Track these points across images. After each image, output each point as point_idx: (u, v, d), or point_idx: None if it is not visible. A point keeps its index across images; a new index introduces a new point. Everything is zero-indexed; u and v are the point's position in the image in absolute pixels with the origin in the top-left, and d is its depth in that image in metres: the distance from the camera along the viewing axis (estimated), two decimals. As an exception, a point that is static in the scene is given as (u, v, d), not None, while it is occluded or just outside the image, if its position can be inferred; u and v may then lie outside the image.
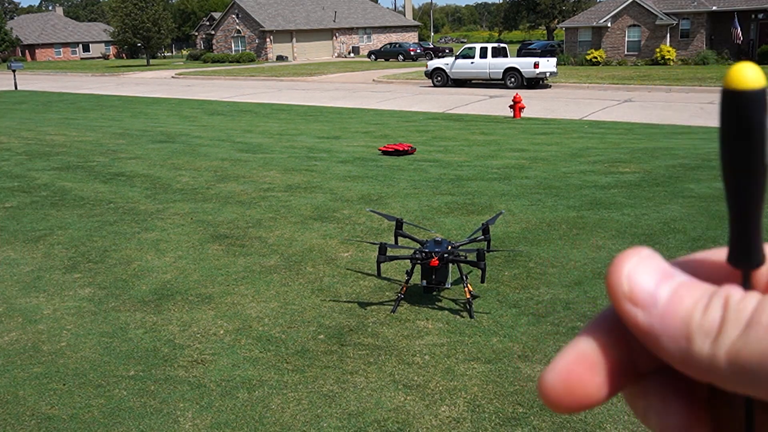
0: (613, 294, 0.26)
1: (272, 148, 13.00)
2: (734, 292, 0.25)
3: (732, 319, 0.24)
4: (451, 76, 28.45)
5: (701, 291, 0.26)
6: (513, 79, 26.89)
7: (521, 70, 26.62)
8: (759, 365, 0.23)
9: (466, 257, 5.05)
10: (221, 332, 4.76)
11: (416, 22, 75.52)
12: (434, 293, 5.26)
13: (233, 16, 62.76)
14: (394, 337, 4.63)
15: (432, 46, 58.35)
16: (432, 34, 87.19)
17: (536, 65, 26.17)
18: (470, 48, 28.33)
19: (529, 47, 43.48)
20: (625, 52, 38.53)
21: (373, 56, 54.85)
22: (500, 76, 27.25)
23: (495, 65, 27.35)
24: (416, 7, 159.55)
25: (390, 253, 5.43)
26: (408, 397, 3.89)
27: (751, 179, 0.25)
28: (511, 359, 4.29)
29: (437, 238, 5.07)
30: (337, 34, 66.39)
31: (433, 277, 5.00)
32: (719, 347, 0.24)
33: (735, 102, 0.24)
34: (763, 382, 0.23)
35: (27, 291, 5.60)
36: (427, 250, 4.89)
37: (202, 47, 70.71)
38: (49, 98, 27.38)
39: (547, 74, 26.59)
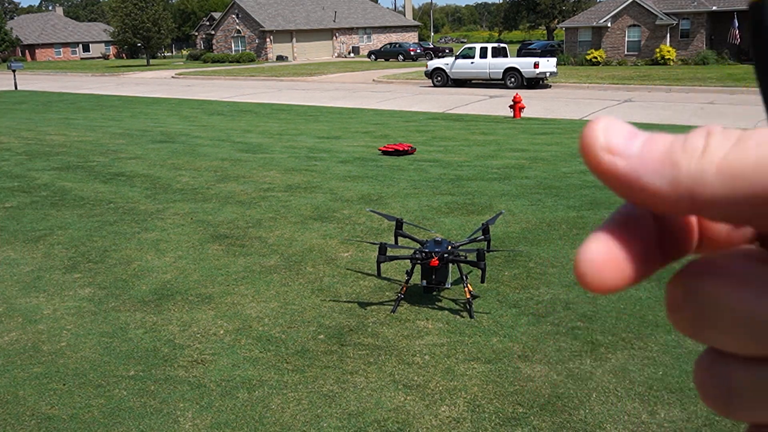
0: (589, 148, 0.25)
1: (272, 148, 13.00)
2: (714, 126, 0.24)
3: (717, 140, 0.23)
4: (451, 76, 28.44)
5: (675, 135, 0.25)
6: (513, 79, 26.89)
7: (521, 70, 26.61)
8: (755, 174, 0.22)
9: (466, 257, 5.05)
10: (221, 332, 4.76)
11: (416, 22, 75.52)
12: (434, 293, 5.26)
13: (233, 16, 62.76)
14: (394, 337, 4.63)
15: (432, 46, 58.35)
16: (432, 34, 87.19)
17: (536, 65, 26.16)
18: (470, 48, 28.32)
19: (529, 47, 43.47)
20: (625, 52, 38.53)
21: (373, 56, 54.85)
22: (500, 76, 27.24)
23: (495, 65, 27.35)
24: (416, 7, 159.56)
25: (390, 253, 5.43)
26: (408, 397, 3.89)
27: None
28: (511, 359, 4.29)
29: (437, 238, 5.07)
30: (337, 34, 66.39)
31: (433, 277, 5.00)
32: (707, 163, 0.23)
33: (753, 12, 0.24)
34: (760, 195, 0.22)
35: (27, 291, 5.60)
36: (427, 250, 4.89)
37: (202, 47, 70.70)
38: (49, 98, 27.38)
39: (547, 74, 26.58)
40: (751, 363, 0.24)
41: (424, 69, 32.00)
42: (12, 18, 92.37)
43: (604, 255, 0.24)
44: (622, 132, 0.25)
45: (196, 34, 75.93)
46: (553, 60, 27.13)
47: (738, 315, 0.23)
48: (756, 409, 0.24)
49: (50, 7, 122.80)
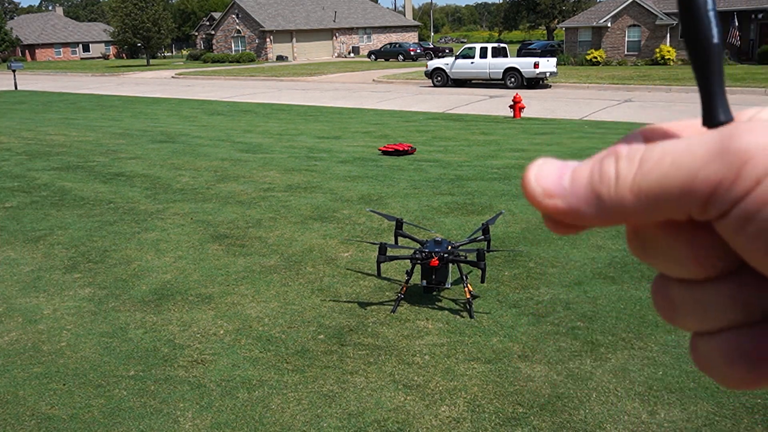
0: (533, 200, 0.31)
1: (272, 148, 13.00)
2: (621, 148, 0.30)
3: (624, 165, 0.29)
4: (451, 76, 28.44)
5: (593, 160, 0.31)
6: (513, 79, 26.88)
7: (521, 70, 26.61)
8: (659, 189, 0.28)
9: (466, 257, 5.05)
10: (221, 332, 4.76)
11: (416, 22, 75.52)
12: (434, 293, 5.26)
13: (233, 16, 62.76)
14: (394, 337, 4.63)
15: (432, 46, 58.34)
16: (432, 34, 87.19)
17: (536, 65, 26.16)
18: (470, 48, 28.32)
19: (529, 47, 43.48)
20: (625, 52, 38.53)
21: (373, 56, 54.84)
22: (500, 76, 27.24)
23: (495, 65, 27.34)
24: (416, 7, 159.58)
25: (390, 253, 5.43)
26: (408, 397, 3.89)
27: (704, 52, 0.31)
28: (511, 359, 4.29)
29: (437, 238, 5.07)
30: (337, 34, 66.39)
31: (433, 277, 5.00)
32: (622, 189, 0.29)
33: None
34: (666, 203, 0.28)
35: (27, 291, 5.60)
36: (427, 250, 4.89)
37: (202, 47, 70.71)
38: (49, 98, 27.38)
39: (547, 74, 26.58)
40: (683, 283, 0.31)
41: (424, 69, 32.00)
42: (12, 18, 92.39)
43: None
44: (551, 175, 0.31)
45: (196, 34, 75.93)
46: (553, 60, 27.12)
47: (663, 247, 0.30)
48: (689, 317, 0.31)
49: (50, 7, 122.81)
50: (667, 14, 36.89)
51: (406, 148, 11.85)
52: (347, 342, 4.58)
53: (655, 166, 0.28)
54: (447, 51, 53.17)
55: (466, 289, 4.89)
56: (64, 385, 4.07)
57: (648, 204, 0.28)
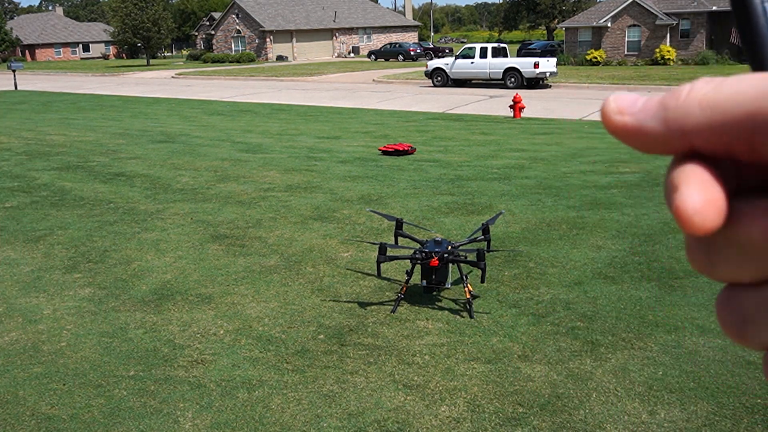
0: (605, 116, 0.30)
1: (272, 148, 13.00)
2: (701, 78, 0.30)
3: (700, 84, 0.29)
4: (451, 76, 28.44)
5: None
6: (513, 79, 26.88)
7: (521, 70, 26.61)
8: (729, 104, 0.27)
9: (466, 257, 5.05)
10: (221, 332, 4.76)
11: (416, 22, 75.49)
12: (434, 293, 5.26)
13: (233, 16, 62.75)
14: (394, 337, 4.63)
15: (432, 46, 58.32)
16: (432, 34, 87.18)
17: (536, 65, 26.15)
18: (470, 48, 28.32)
19: (529, 47, 43.46)
20: (625, 52, 38.52)
21: (373, 56, 54.83)
22: (500, 76, 27.24)
23: (495, 65, 27.35)
24: (416, 7, 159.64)
25: (390, 253, 5.43)
26: (408, 397, 3.89)
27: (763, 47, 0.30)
28: (511, 359, 4.29)
29: (437, 238, 5.07)
30: (337, 34, 66.37)
31: (433, 277, 5.00)
32: (691, 100, 0.28)
33: None
34: (732, 120, 0.27)
35: (27, 291, 5.60)
36: (427, 250, 4.90)
37: (202, 47, 70.67)
38: (49, 98, 27.37)
39: (547, 74, 26.58)
40: (757, 287, 0.28)
41: (424, 69, 31.99)
42: (12, 18, 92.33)
43: (703, 199, 0.28)
44: (628, 98, 0.31)
45: (196, 34, 75.89)
46: (553, 60, 27.12)
47: (739, 243, 0.28)
48: (764, 330, 0.28)
49: (50, 7, 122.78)
50: (667, 14, 36.89)
51: (406, 148, 11.86)
52: (347, 342, 4.58)
53: (730, 84, 0.28)
54: (447, 51, 53.14)
55: (466, 289, 4.89)
56: (64, 385, 4.07)
57: (713, 119, 0.27)
